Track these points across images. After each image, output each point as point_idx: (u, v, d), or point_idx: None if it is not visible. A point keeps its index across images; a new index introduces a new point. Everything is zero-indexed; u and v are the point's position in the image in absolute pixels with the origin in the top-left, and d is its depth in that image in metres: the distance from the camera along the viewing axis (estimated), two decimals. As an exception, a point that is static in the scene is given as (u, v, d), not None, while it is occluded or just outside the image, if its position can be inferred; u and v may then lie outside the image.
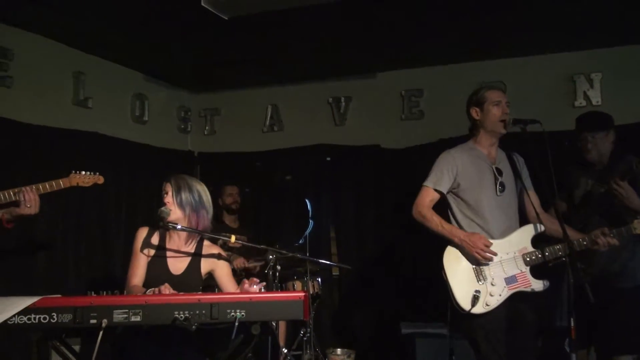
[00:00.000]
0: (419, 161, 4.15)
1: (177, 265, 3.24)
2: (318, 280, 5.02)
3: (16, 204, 2.99)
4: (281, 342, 4.72)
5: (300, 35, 4.89)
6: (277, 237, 5.04)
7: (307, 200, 5.38)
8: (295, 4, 4.18)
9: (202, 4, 4.15)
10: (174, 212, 3.19)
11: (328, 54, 5.33)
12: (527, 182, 3.60)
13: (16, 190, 2.96)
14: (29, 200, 2.99)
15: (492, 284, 3.32)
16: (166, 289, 2.85)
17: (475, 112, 3.58)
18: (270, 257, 3.68)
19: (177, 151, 6.29)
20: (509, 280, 3.33)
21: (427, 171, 3.62)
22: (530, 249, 3.38)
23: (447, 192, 3.53)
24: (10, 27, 4.60)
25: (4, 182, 3.08)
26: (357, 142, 5.81)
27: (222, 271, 3.32)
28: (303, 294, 2.67)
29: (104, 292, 2.63)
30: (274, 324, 4.41)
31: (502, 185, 3.47)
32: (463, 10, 4.36)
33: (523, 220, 3.54)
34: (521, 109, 5.06)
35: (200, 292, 3.19)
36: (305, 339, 4.65)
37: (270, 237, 5.04)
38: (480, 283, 3.33)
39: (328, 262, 4.18)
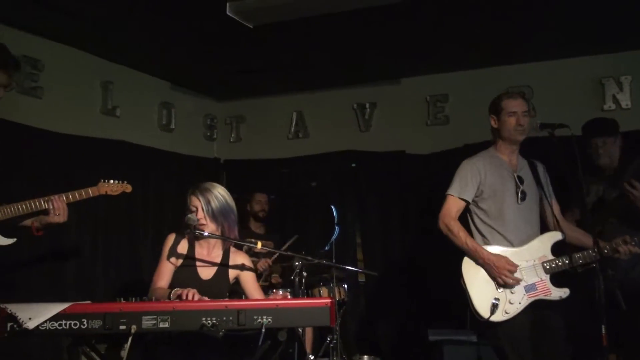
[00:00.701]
0: (445, 167, 4.12)
1: (206, 271, 3.28)
2: (344, 287, 5.00)
3: (45, 212, 3.04)
4: (307, 348, 4.71)
5: (325, 42, 4.91)
6: (303, 244, 5.04)
7: (332, 207, 5.37)
8: (319, 11, 4.20)
9: (227, 12, 4.19)
10: (208, 225, 3.21)
11: (352, 60, 5.34)
12: (548, 189, 3.58)
13: (45, 199, 3.01)
14: (58, 208, 3.04)
15: (511, 292, 3.32)
16: (191, 292, 2.87)
17: (493, 120, 3.59)
18: (297, 263, 3.69)
19: (204, 159, 6.34)
20: (529, 288, 3.33)
21: (452, 177, 3.61)
22: (550, 256, 3.36)
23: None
24: (40, 39, 4.70)
25: (35, 191, 3.13)
26: (382, 148, 5.79)
27: (248, 278, 3.36)
28: (329, 300, 2.67)
29: (133, 299, 2.66)
30: (301, 331, 4.42)
31: (524, 193, 3.46)
32: (488, 14, 4.33)
33: (544, 228, 3.52)
34: (549, 113, 5.06)
35: (227, 299, 3.21)
36: (331, 345, 4.63)
37: (296, 244, 5.04)
38: (499, 291, 3.33)
39: (354, 269, 4.17)
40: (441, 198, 3.62)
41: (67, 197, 3.12)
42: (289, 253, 3.56)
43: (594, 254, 3.27)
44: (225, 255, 3.35)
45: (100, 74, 5.25)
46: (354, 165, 5.91)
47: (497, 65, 5.42)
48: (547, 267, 3.35)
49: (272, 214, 5.75)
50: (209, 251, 3.33)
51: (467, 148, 5.23)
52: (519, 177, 3.50)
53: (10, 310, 2.39)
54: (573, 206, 3.92)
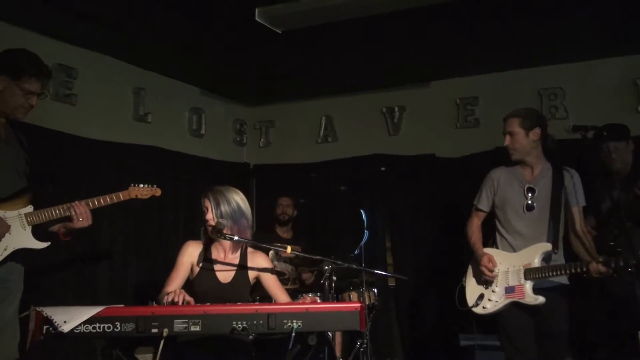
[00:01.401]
0: (475, 170, 4.10)
1: (225, 274, 3.29)
2: (374, 291, 4.98)
3: (70, 218, 3.10)
4: (337, 352, 4.71)
5: (353, 46, 4.91)
6: (333, 248, 5.05)
7: (362, 211, 5.36)
8: (347, 16, 4.20)
9: (256, 18, 4.22)
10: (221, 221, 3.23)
11: (381, 64, 5.33)
12: (572, 197, 3.63)
13: (67, 206, 3.07)
14: (80, 214, 3.09)
15: (493, 291, 3.66)
16: (179, 296, 2.89)
17: None
18: (326, 267, 3.68)
19: (233, 163, 6.39)
20: (508, 289, 3.61)
21: (482, 180, 3.81)
22: (535, 264, 3.53)
23: (490, 210, 3.81)
24: (74, 47, 4.79)
25: (69, 196, 3.20)
26: (412, 152, 5.77)
27: (270, 279, 3.36)
28: (359, 304, 2.67)
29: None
30: (330, 335, 4.41)
31: (530, 205, 3.65)
32: (518, 15, 4.29)
33: (568, 235, 3.67)
34: (582, 115, 4.98)
35: (257, 302, 3.23)
36: (361, 350, 4.61)
37: (325, 248, 5.04)
38: (484, 288, 3.72)
39: (384, 273, 4.15)
40: (471, 201, 3.88)
41: (99, 202, 3.17)
42: (318, 257, 3.56)
43: (568, 271, 3.46)
44: (243, 256, 3.36)
45: (132, 80, 5.33)
46: (383, 169, 5.90)
47: (528, 67, 5.35)
48: (528, 274, 3.54)
49: (301, 219, 5.76)
50: (226, 254, 3.34)
51: (497, 151, 5.15)
52: (530, 188, 3.67)
53: (46, 314, 2.44)
54: (588, 214, 3.91)
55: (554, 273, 3.47)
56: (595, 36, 4.70)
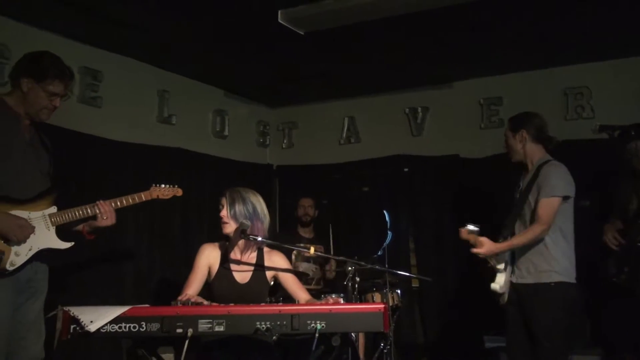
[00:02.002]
0: (499, 170, 4.06)
1: (243, 275, 3.30)
2: (397, 292, 4.97)
3: (95, 217, 3.14)
4: (361, 354, 4.70)
5: (376, 47, 4.90)
6: (356, 249, 5.03)
7: (385, 212, 5.34)
8: (370, 16, 4.19)
9: (279, 20, 4.23)
10: (229, 224, 3.25)
11: (403, 64, 5.31)
12: (536, 191, 3.63)
13: (92, 205, 3.12)
14: (105, 212, 3.14)
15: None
16: (187, 297, 2.91)
17: None
18: (349, 268, 3.68)
19: (256, 165, 6.42)
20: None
21: (509, 180, 3.83)
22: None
23: None
24: (99, 50, 4.86)
25: (94, 197, 3.24)
26: (435, 152, 5.74)
27: (288, 277, 3.36)
28: (383, 305, 2.65)
29: (190, 302, 2.71)
30: (354, 336, 4.41)
31: (517, 204, 3.75)
32: (543, 14, 4.24)
33: None
34: (608, 114, 4.91)
35: (280, 302, 3.24)
36: (385, 351, 4.60)
37: (348, 249, 5.04)
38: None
39: (407, 274, 4.13)
40: (496, 201, 4.02)
41: (121, 202, 3.21)
42: (341, 258, 3.55)
43: None
44: (260, 256, 3.37)
45: (156, 83, 5.39)
46: (406, 170, 5.87)
47: (553, 66, 5.29)
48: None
49: (324, 220, 5.76)
50: (242, 255, 3.35)
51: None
52: (520, 190, 3.77)
53: (73, 313, 2.47)
54: (614, 217, 3.84)
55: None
56: (621, 35, 4.63)
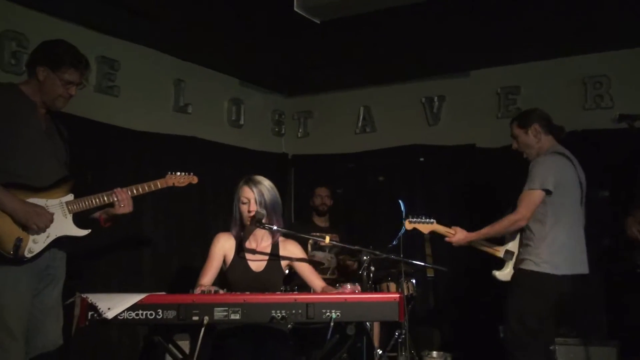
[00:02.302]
0: (516, 161, 4.03)
1: (258, 263, 3.32)
2: (412, 282, 4.96)
3: (111, 205, 3.17)
4: (376, 343, 4.71)
5: (392, 36, 4.86)
6: (371, 238, 5.03)
7: (400, 201, 5.32)
8: (386, 4, 4.16)
9: (295, 8, 4.21)
10: (264, 213, 3.24)
11: (420, 53, 5.27)
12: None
13: (109, 193, 3.14)
14: (122, 200, 3.16)
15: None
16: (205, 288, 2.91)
17: None
18: (365, 258, 3.68)
19: (272, 154, 6.43)
20: None
21: (525, 170, 3.73)
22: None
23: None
24: (116, 40, 4.87)
25: (110, 185, 3.26)
26: (451, 142, 5.70)
27: (303, 266, 3.37)
28: (399, 295, 2.66)
29: (206, 291, 2.73)
30: (369, 325, 4.41)
31: None
32: (563, 1, 4.18)
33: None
34: (628, 104, 4.84)
35: (295, 291, 3.25)
36: (400, 340, 4.60)
37: (363, 238, 5.03)
38: None
39: (422, 264, 4.12)
40: (514, 191, 3.77)
41: (137, 190, 3.23)
42: (356, 247, 3.55)
43: None
44: (275, 245, 3.38)
45: (172, 72, 5.40)
46: (422, 159, 5.85)
47: (571, 55, 5.22)
48: None
49: (339, 209, 5.76)
50: (258, 243, 3.36)
51: (540, 141, 5.09)
52: None
53: (91, 300, 2.50)
54: (635, 208, 3.79)
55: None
56: (643, 22, 4.56)
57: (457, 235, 3.80)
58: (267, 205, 3.22)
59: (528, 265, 3.60)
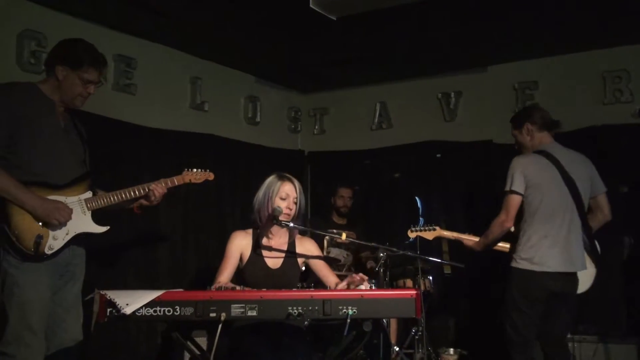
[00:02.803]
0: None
1: (275, 260, 3.32)
2: (429, 279, 4.95)
3: (131, 201, 3.23)
4: (392, 339, 4.70)
5: (408, 32, 4.84)
6: (387, 235, 5.02)
7: (417, 198, 5.31)
8: (402, 0, 4.14)
9: (311, 5, 4.21)
10: (292, 214, 3.25)
11: (436, 48, 5.24)
12: None
13: (127, 190, 3.19)
14: (158, 194, 3.23)
15: None
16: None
17: None
18: (381, 254, 3.67)
19: (288, 151, 6.44)
20: None
21: None
22: None
23: None
24: (133, 38, 4.91)
25: (129, 181, 3.30)
26: (468, 138, 5.67)
27: (320, 263, 3.37)
28: (415, 291, 2.64)
29: (222, 287, 2.74)
30: (386, 322, 4.41)
31: None
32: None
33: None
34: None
35: (312, 289, 3.25)
36: (417, 337, 4.60)
37: (380, 235, 5.03)
38: None
39: (439, 260, 4.11)
40: None
41: (155, 186, 3.27)
42: (373, 244, 3.55)
43: None
44: (292, 242, 3.38)
45: (189, 70, 5.43)
46: (438, 155, 5.82)
47: (590, 49, 5.16)
48: None
49: (356, 206, 5.75)
50: (276, 241, 3.36)
51: (557, 137, 5.02)
52: None
53: (109, 297, 2.52)
54: None
55: None
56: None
57: (467, 244, 3.99)
58: (301, 204, 3.24)
59: (511, 263, 3.68)
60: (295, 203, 3.25)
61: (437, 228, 4.10)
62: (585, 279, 3.69)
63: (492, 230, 3.75)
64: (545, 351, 3.66)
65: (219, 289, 2.74)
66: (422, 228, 4.10)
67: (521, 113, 3.94)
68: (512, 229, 3.73)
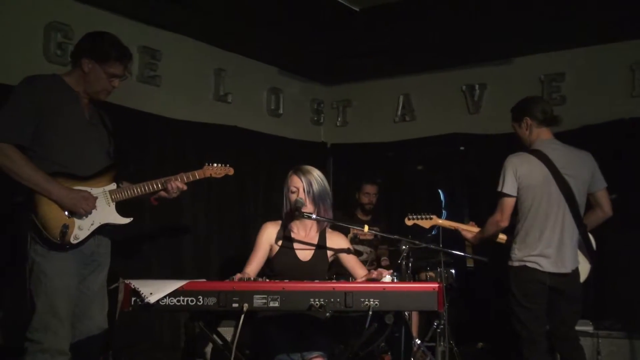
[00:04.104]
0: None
1: (305, 253, 3.32)
2: (452, 272, 4.92)
3: (153, 193, 3.26)
4: (414, 332, 4.69)
5: (432, 23, 4.81)
6: (410, 228, 5.00)
7: (440, 191, 5.28)
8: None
9: (334, -4, 4.20)
10: (307, 206, 3.24)
11: (461, 40, 5.19)
12: None
13: (150, 182, 3.20)
14: (177, 188, 3.24)
15: None
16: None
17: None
18: (404, 247, 3.66)
19: (311, 143, 6.44)
20: None
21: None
22: None
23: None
24: (158, 29, 4.94)
25: (153, 173, 3.33)
26: (493, 131, 5.61)
27: (349, 257, 3.37)
28: (438, 284, 2.63)
29: (245, 279, 2.75)
30: (407, 315, 4.40)
31: None
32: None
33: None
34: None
35: (334, 280, 3.26)
36: (439, 330, 4.58)
37: (402, 228, 5.01)
38: None
39: (462, 254, 4.09)
40: None
41: (175, 180, 3.29)
42: (395, 237, 3.54)
43: None
44: (322, 236, 3.38)
45: (213, 61, 5.45)
46: (462, 148, 5.77)
47: (618, 40, 5.07)
48: None
49: (379, 200, 5.70)
50: (306, 233, 3.36)
51: (584, 130, 4.96)
52: None
53: (134, 286, 2.55)
54: None
55: None
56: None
57: (464, 235, 4.03)
58: (314, 195, 3.23)
59: (508, 262, 3.69)
60: (307, 192, 3.23)
61: (434, 217, 4.14)
62: (580, 273, 3.66)
63: (487, 228, 3.77)
64: (556, 346, 3.63)
65: (241, 279, 2.76)
66: (419, 217, 4.15)
67: (521, 105, 3.80)
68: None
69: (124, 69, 3.10)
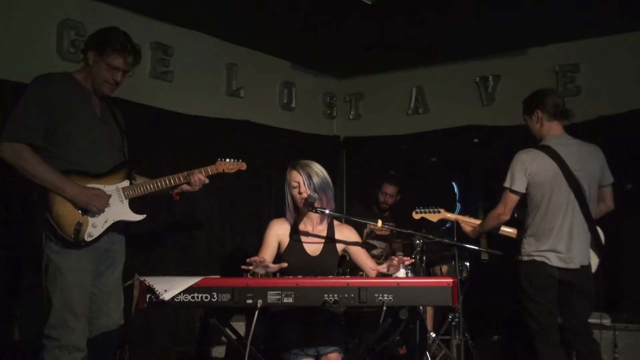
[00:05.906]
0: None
1: (314, 247, 3.32)
2: (466, 265, 4.90)
3: (167, 190, 3.27)
4: (429, 327, 4.68)
5: (444, 14, 4.76)
6: (424, 221, 4.98)
7: (454, 183, 5.25)
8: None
9: (346, -11, 4.18)
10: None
11: (474, 31, 5.14)
12: None
13: (163, 179, 3.21)
14: (200, 181, 3.28)
15: None
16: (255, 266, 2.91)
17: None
18: (417, 241, 3.64)
19: (324, 136, 6.43)
20: None
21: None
22: None
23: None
24: (170, 25, 4.95)
25: (166, 169, 3.34)
26: (507, 123, 5.55)
27: (359, 250, 3.37)
28: (452, 279, 2.62)
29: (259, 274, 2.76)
30: (422, 309, 4.39)
31: None
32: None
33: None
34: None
35: (347, 275, 3.25)
36: (453, 324, 4.57)
37: (416, 221, 4.99)
38: None
39: (476, 247, 4.06)
40: None
41: (187, 176, 3.30)
42: (409, 231, 3.52)
43: None
44: (330, 229, 3.37)
45: (225, 56, 5.45)
46: (476, 140, 5.74)
47: (635, 30, 4.99)
48: None
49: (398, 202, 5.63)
50: (314, 227, 3.36)
51: (600, 120, 4.91)
52: None
53: (148, 283, 2.57)
54: None
55: None
56: None
57: (464, 227, 4.00)
58: (315, 188, 3.22)
59: (518, 257, 3.69)
60: (308, 185, 3.21)
61: (442, 210, 4.11)
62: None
63: (488, 221, 3.77)
64: (568, 339, 3.61)
65: (259, 264, 2.77)
66: (427, 210, 4.13)
67: (533, 97, 3.78)
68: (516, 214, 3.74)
69: (123, 61, 3.06)
